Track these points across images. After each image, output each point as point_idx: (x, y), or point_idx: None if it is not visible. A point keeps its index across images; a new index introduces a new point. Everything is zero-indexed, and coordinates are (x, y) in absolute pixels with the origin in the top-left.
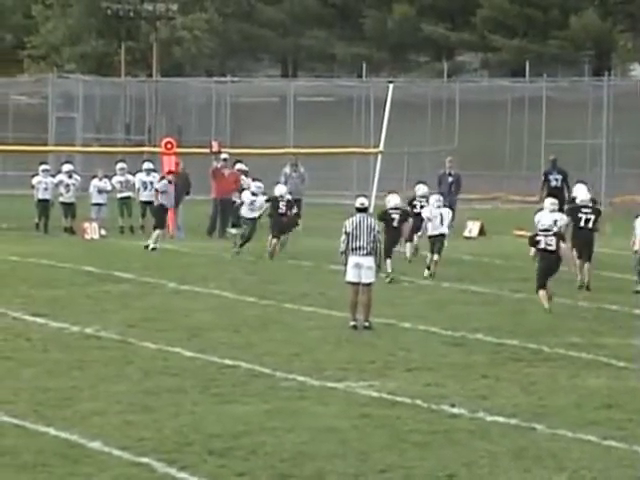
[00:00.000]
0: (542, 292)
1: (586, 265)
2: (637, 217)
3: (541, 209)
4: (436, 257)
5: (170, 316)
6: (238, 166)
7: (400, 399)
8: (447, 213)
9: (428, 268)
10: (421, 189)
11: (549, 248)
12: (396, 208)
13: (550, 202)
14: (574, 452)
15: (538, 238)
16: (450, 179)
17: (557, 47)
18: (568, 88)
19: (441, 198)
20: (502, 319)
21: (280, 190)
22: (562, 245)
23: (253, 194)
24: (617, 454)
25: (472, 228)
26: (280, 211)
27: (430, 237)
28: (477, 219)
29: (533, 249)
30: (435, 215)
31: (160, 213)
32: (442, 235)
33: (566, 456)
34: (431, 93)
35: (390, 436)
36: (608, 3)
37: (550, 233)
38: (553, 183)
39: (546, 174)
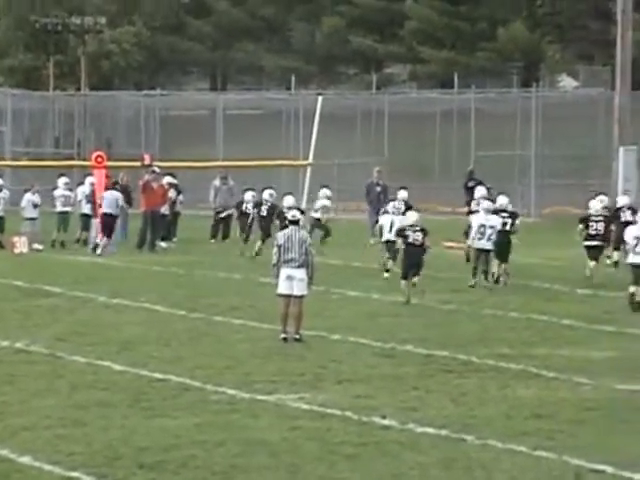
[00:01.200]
0: (404, 282)
1: (503, 265)
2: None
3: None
4: (390, 263)
5: (100, 330)
6: (167, 179)
7: (330, 411)
8: (398, 221)
9: (387, 271)
10: (401, 194)
11: (416, 243)
12: (290, 208)
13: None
14: (504, 463)
15: (406, 233)
16: (378, 189)
17: (485, 59)
18: (497, 99)
19: (397, 205)
20: (432, 330)
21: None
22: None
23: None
24: (547, 464)
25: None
26: (262, 214)
27: (385, 242)
28: None
29: (400, 240)
30: (386, 222)
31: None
32: (392, 242)
33: (496, 467)
34: (360, 105)
35: (321, 448)
36: (536, 14)
37: (417, 228)
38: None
39: (469, 185)
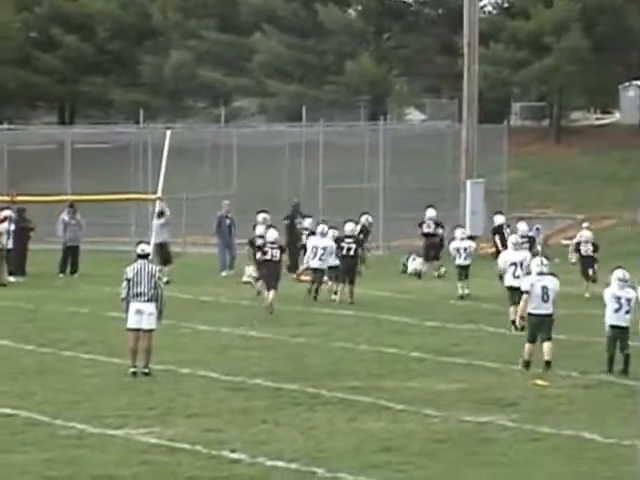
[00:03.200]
0: None
1: (349, 286)
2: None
3: None
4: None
5: None
6: (5, 213)
7: (180, 445)
8: (331, 246)
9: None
10: (360, 219)
11: None
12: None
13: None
14: None
15: None
16: (228, 222)
17: (333, 92)
18: (345, 133)
19: (325, 228)
20: (281, 364)
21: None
22: None
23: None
24: None
25: (251, 273)
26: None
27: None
28: None
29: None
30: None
31: None
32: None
33: None
34: (209, 138)
35: None
36: (383, 48)
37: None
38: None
39: (291, 218)
